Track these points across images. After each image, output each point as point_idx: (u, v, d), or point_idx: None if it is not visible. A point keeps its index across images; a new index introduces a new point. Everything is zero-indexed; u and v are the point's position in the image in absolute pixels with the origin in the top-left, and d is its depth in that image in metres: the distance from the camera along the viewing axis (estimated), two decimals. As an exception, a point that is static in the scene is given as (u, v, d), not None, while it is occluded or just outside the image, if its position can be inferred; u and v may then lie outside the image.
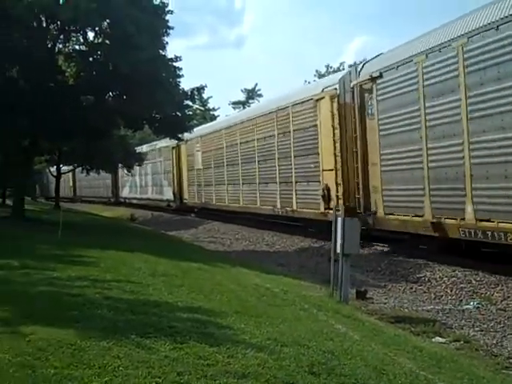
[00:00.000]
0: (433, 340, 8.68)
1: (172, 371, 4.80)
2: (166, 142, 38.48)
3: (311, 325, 7.60)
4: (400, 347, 7.26)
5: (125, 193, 52.76)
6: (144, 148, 44.57)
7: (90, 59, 21.92)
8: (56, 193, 42.56)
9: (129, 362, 4.92)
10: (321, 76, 60.60)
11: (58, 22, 20.94)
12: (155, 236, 24.79)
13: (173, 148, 38.48)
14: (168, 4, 22.14)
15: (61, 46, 22.49)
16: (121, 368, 4.76)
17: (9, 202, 31.00)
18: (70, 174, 57.91)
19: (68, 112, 20.61)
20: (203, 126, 39.34)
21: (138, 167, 40.73)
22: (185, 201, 37.62)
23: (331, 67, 64.86)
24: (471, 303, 11.05)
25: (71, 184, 65.64)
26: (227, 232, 27.13)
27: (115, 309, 7.01)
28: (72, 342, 5.36)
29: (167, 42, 22.31)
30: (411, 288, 12.71)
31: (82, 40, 22.27)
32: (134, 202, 49.24)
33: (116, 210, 48.54)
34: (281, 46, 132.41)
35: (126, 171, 41.32)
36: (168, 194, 40.52)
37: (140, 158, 37.79)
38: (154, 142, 44.98)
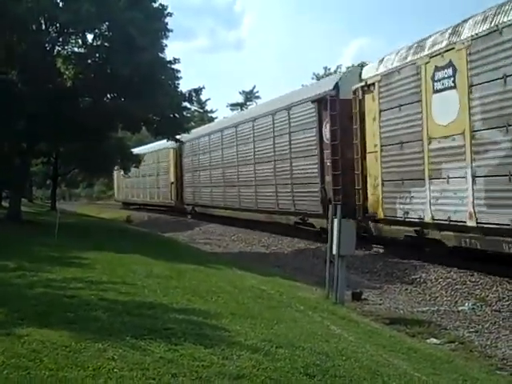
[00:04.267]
0: (428, 341, 8.71)
1: (167, 373, 4.82)
2: None
3: (306, 326, 7.61)
4: (395, 348, 7.29)
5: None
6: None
7: (89, 61, 21.92)
8: (53, 194, 42.45)
9: (124, 364, 4.94)
10: (318, 78, 60.68)
11: (57, 25, 20.98)
12: (151, 238, 24.77)
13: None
14: (167, 7, 22.24)
15: (59, 48, 22.47)
16: (115, 370, 4.78)
17: (5, 203, 30.91)
18: (170, 164, 41.56)
19: (66, 114, 20.61)
20: None
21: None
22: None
23: (329, 69, 64.99)
24: (466, 304, 11.08)
25: (172, 179, 41.27)
26: (223, 233, 27.15)
27: (110, 310, 7.02)
28: (67, 344, 5.37)
29: (166, 45, 22.41)
30: (406, 289, 12.75)
31: (80, 42, 22.28)
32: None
33: (112, 212, 48.48)
34: (280, 48, 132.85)
35: None
36: None
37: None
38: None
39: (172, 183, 41.10)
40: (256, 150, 25.46)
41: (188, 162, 37.92)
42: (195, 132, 38.05)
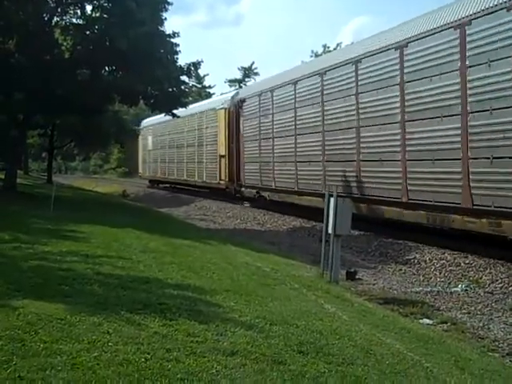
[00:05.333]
0: (420, 322, 8.76)
1: (161, 348, 4.84)
2: None
3: (301, 304, 7.64)
4: (388, 328, 7.32)
5: None
6: None
7: (87, 33, 21.76)
8: (49, 166, 42.34)
9: (118, 338, 4.95)
10: (317, 56, 60.33)
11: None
12: (147, 213, 24.78)
13: None
14: None
15: (58, 18, 22.28)
16: (110, 344, 4.79)
17: (0, 175, 30.84)
18: (220, 131, 29.82)
19: (63, 86, 20.49)
20: None
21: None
22: None
23: (328, 47, 64.58)
24: (459, 286, 11.14)
25: (222, 152, 29.76)
26: (219, 210, 27.17)
27: (106, 284, 7.04)
28: (62, 317, 5.39)
29: (165, 18, 22.30)
30: (400, 270, 12.81)
31: (79, 13, 22.09)
32: None
33: (108, 186, 48.44)
34: (279, 24, 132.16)
35: None
36: None
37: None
38: None
39: (222, 157, 29.57)
40: (407, 98, 14.72)
41: (251, 127, 25.61)
42: (265, 81, 27.42)
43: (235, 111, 27.76)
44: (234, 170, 27.81)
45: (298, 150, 21.12)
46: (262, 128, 24.45)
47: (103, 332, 5.08)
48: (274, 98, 23.13)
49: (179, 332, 5.33)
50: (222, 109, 29.57)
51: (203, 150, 32.98)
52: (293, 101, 21.39)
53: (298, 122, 21.08)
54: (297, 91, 21.07)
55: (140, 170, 49.89)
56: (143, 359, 4.53)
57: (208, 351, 4.88)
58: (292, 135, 21.52)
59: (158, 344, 4.92)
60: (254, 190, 25.67)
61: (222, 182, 29.72)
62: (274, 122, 23.14)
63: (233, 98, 28.92)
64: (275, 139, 23.16)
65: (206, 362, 4.64)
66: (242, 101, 26.81)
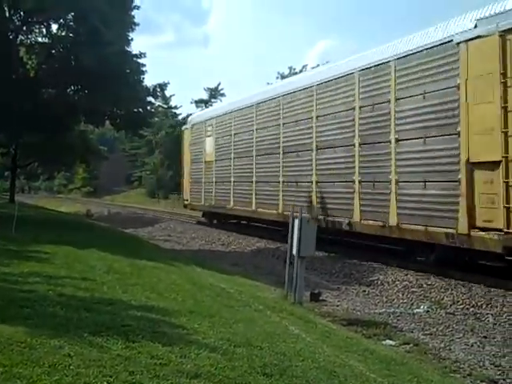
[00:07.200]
0: (383, 343, 8.84)
1: (124, 370, 4.78)
2: None
3: (265, 326, 7.64)
4: (351, 349, 7.36)
5: None
6: None
7: (53, 51, 21.67)
8: (11, 186, 41.66)
9: (80, 361, 4.88)
10: (283, 77, 60.68)
11: (22, 13, 20.70)
12: (111, 233, 24.52)
13: None
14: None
15: (23, 37, 22.17)
16: (72, 367, 4.71)
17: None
18: None
19: (28, 104, 20.32)
20: None
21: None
22: None
23: (294, 69, 65.24)
24: (422, 307, 11.28)
25: None
26: (183, 231, 27.06)
27: (68, 306, 6.93)
28: (22, 340, 5.28)
29: (132, 38, 22.41)
30: (364, 291, 12.92)
31: (44, 32, 22.02)
32: None
33: (73, 206, 47.83)
34: (245, 46, 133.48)
35: None
36: None
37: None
38: None
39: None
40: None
41: None
42: None
43: None
44: None
45: None
46: None
47: (64, 355, 4.99)
48: None
49: (142, 354, 5.28)
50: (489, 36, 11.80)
51: (379, 156, 15.12)
52: None
53: None
54: None
55: (186, 197, 31.15)
56: (106, 382, 4.47)
57: (171, 374, 4.84)
58: None
59: (120, 367, 4.86)
60: None
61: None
62: None
63: None
64: None
65: (170, 384, 4.61)
66: None
